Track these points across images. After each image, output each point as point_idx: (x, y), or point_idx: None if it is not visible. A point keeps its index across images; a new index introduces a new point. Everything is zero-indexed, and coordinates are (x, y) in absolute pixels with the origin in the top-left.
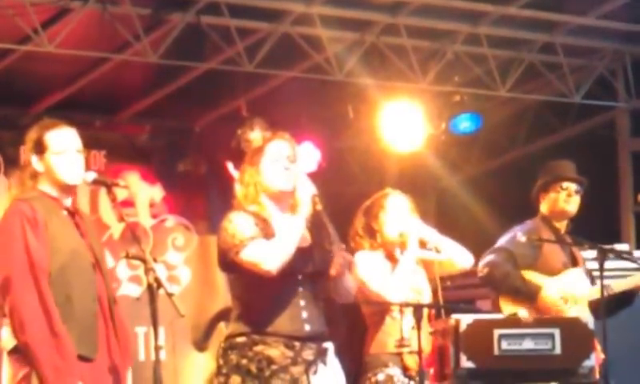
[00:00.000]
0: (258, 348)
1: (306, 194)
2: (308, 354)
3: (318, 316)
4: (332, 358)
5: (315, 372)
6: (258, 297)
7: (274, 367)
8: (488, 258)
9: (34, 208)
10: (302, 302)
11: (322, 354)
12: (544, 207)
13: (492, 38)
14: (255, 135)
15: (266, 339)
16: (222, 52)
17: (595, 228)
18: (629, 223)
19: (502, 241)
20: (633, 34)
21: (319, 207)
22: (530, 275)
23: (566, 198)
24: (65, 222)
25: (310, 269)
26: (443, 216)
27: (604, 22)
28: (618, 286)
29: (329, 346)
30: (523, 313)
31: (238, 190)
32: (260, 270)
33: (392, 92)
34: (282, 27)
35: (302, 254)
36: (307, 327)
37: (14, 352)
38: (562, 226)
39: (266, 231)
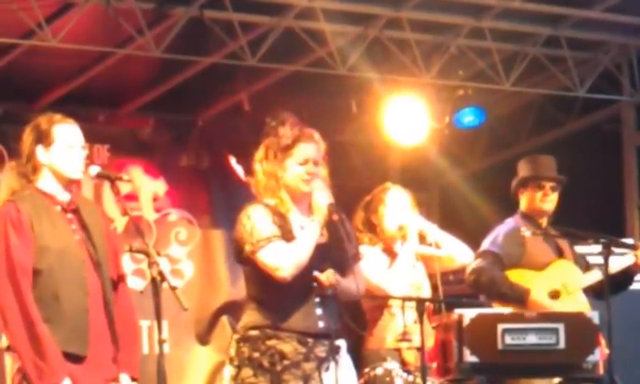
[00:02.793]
0: (271, 342)
1: (323, 204)
2: (321, 350)
3: (332, 313)
4: (344, 355)
5: (327, 369)
6: (272, 292)
7: (286, 362)
8: (474, 263)
9: (19, 209)
10: (317, 299)
11: (334, 351)
12: (523, 203)
13: (496, 32)
14: (285, 131)
15: (280, 334)
16: (224, 46)
17: (600, 222)
18: (634, 217)
19: (485, 243)
20: (638, 27)
21: (335, 217)
22: (518, 276)
23: (542, 197)
24: (56, 219)
25: (325, 267)
26: (446, 211)
27: (609, 15)
28: (613, 265)
29: (342, 343)
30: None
31: (259, 178)
32: (274, 275)
33: (395, 86)
34: (284, 21)
35: (318, 251)
36: (321, 324)
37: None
38: (543, 221)
39: (284, 228)
